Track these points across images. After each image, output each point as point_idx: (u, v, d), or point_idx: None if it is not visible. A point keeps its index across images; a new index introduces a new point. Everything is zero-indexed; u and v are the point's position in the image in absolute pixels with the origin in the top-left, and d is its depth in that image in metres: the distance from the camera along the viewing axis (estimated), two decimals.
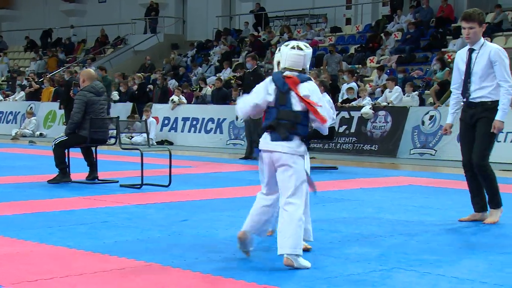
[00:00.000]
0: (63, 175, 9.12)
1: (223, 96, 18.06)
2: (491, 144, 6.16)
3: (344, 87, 16.13)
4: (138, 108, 18.53)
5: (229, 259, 4.84)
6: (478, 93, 6.12)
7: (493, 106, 6.08)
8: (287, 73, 4.64)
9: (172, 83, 21.25)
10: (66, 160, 9.17)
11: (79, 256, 4.89)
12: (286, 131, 4.57)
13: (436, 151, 13.51)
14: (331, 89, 14.64)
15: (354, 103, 15.27)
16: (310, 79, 4.66)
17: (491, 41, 18.56)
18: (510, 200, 7.73)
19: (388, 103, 14.91)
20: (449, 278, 4.37)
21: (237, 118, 15.97)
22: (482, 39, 6.19)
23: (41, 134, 19.98)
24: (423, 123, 13.92)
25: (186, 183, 9.19)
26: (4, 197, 7.70)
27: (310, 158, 12.37)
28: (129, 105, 18.98)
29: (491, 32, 19.07)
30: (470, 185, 6.35)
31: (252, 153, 13.04)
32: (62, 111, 18.31)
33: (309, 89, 4.60)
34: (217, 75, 21.22)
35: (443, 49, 18.64)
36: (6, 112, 21.86)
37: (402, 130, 14.10)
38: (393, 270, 4.55)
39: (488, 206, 6.36)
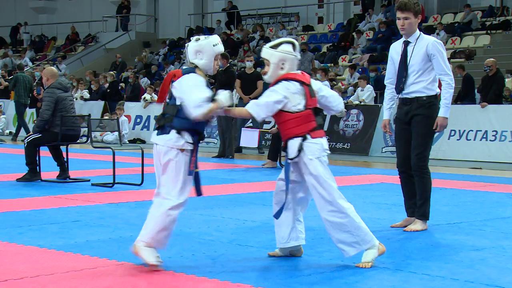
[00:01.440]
0: (33, 174, 9.01)
1: None
2: (429, 144, 5.85)
3: None
4: (109, 106, 18.39)
5: (202, 258, 4.82)
6: (413, 88, 5.77)
7: (428, 102, 5.74)
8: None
9: (144, 81, 21.13)
10: (37, 158, 9.05)
11: (50, 255, 4.83)
12: (163, 123, 4.55)
13: None
14: None
15: None
16: (191, 71, 4.54)
17: (461, 41, 18.88)
18: (476, 197, 7.83)
19: (360, 102, 15.01)
20: (420, 275, 4.40)
21: None
22: (418, 31, 5.80)
23: (10, 133, 19.71)
24: (394, 121, 14.00)
25: None
26: None
27: (283, 156, 12.41)
28: (100, 103, 18.83)
29: (460, 32, 19.31)
30: (404, 188, 6.05)
31: (225, 152, 13.03)
32: (33, 110, 18.13)
33: (180, 82, 4.52)
34: None
35: None
36: None
37: (374, 129, 14.19)
38: (366, 268, 4.58)
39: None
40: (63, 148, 9.36)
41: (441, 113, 5.70)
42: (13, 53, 28.47)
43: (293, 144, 4.61)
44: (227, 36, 23.46)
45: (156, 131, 4.64)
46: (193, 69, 4.57)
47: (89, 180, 9.08)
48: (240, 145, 13.09)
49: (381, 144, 14.06)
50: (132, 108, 18.02)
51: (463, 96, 14.57)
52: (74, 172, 9.41)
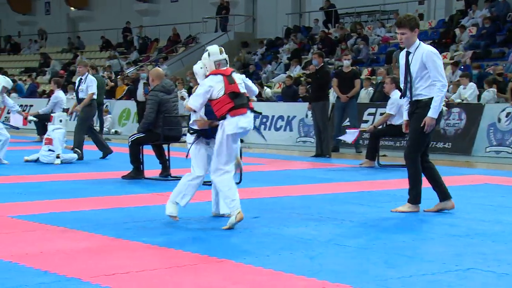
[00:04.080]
0: (137, 172, 9.31)
1: (293, 93, 18.04)
2: (420, 139, 6.50)
3: None
4: None
5: (301, 256, 4.84)
6: (414, 92, 6.51)
7: (425, 103, 6.44)
8: None
9: None
10: (141, 157, 9.35)
11: (154, 251, 5.00)
12: None
13: None
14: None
15: None
16: None
17: None
18: None
19: (462, 100, 14.56)
20: None
21: (306, 115, 15.92)
22: (417, 42, 6.59)
23: (116, 132, 20.46)
24: (499, 120, 13.51)
25: (256, 181, 9.22)
26: (82, 193, 7.94)
27: (382, 155, 12.18)
28: None
29: None
30: (426, 178, 6.69)
31: (322, 151, 12.97)
32: (135, 109, 18.78)
33: None
34: (287, 72, 21.21)
35: None
36: None
37: (477, 128, 13.72)
38: (470, 270, 4.45)
39: (449, 194, 6.66)
40: (165, 146, 9.63)
41: (429, 114, 6.41)
42: (119, 54, 29.53)
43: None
44: (325, 34, 23.35)
45: None
46: None
47: None
48: (340, 138, 12.87)
49: (485, 143, 13.58)
50: None
51: None
52: (175, 170, 9.65)
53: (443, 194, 6.62)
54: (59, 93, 14.43)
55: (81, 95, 11.96)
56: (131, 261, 4.66)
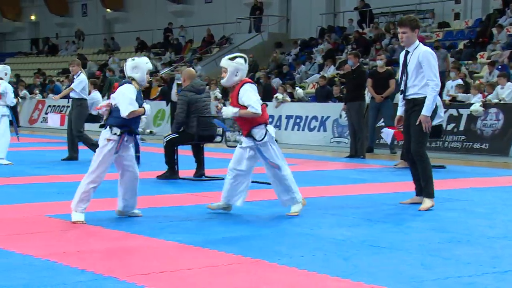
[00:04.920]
0: (172, 172, 9.38)
1: (327, 94, 17.98)
2: (423, 134, 6.82)
3: (449, 84, 15.66)
4: None
5: (334, 257, 4.82)
6: (411, 91, 6.84)
7: (421, 101, 6.76)
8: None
9: (275, 81, 21.38)
10: (175, 157, 9.42)
11: (188, 251, 5.03)
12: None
13: None
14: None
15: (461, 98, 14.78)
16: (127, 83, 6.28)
17: None
18: None
19: (500, 100, 14.33)
20: None
21: (340, 116, 15.84)
22: (416, 42, 6.87)
23: (151, 132, 20.62)
24: None
25: None
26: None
27: None
28: None
29: None
30: (411, 171, 7.14)
31: (357, 152, 12.89)
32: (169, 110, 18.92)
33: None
34: (321, 73, 21.14)
35: None
36: None
37: None
38: (508, 273, 4.39)
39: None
40: None
41: (423, 112, 6.75)
42: (154, 55, 29.75)
43: (260, 130, 6.32)
44: (359, 34, 23.22)
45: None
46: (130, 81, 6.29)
47: (223, 179, 9.29)
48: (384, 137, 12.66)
49: None
50: None
51: None
52: (209, 171, 9.70)
53: (421, 189, 7.07)
54: (95, 94, 14.59)
55: (72, 94, 12.04)
56: (166, 261, 4.70)
